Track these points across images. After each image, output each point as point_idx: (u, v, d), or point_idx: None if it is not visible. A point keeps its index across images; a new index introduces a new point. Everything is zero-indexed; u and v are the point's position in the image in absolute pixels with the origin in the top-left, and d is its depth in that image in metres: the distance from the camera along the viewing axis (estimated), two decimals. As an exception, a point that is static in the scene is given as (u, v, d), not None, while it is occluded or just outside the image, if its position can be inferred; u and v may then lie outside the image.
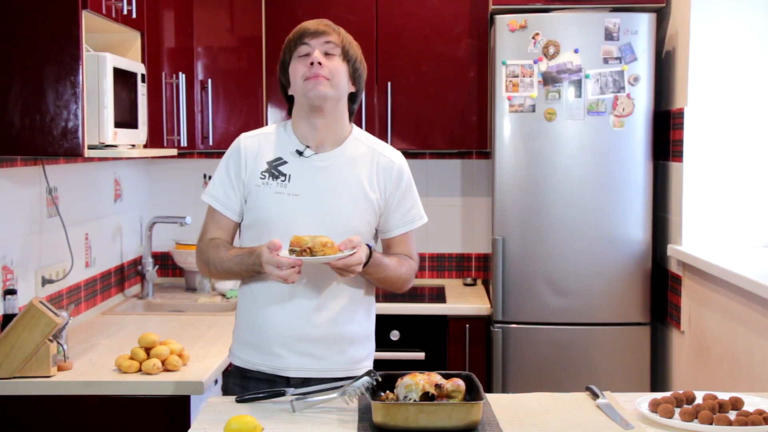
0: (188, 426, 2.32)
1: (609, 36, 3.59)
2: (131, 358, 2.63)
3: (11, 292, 2.67)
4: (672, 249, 3.50)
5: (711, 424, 1.85)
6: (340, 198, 2.24)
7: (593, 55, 3.59)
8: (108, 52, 2.76)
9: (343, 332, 2.26)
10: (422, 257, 4.38)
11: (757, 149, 3.42)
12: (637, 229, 3.64)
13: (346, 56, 2.25)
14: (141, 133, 3.08)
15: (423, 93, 3.99)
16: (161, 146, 3.39)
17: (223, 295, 3.95)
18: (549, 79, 3.61)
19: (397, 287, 2.34)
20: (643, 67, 3.59)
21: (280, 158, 2.26)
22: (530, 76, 3.62)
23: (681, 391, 2.01)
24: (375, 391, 1.96)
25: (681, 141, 3.46)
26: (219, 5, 3.96)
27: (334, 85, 2.22)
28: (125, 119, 2.90)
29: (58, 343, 2.60)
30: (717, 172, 3.44)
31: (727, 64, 3.42)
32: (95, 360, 2.78)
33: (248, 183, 2.26)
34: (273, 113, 3.99)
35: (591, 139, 3.62)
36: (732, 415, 1.92)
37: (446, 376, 1.96)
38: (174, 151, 3.51)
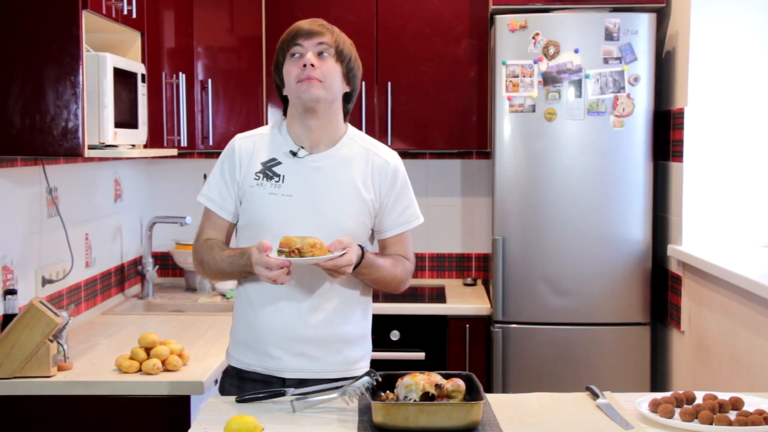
0: (188, 426, 2.32)
1: (609, 36, 3.59)
2: (131, 358, 2.63)
3: (11, 292, 2.67)
4: (672, 249, 3.50)
5: (711, 424, 1.85)
6: (335, 198, 2.24)
7: (593, 55, 3.59)
8: (108, 52, 2.76)
9: (338, 333, 2.26)
10: (422, 257, 4.38)
11: (757, 149, 3.42)
12: (637, 229, 3.64)
13: (339, 56, 2.24)
14: (141, 133, 3.08)
15: (423, 93, 3.99)
16: (161, 146, 3.39)
17: (223, 295, 3.95)
18: (549, 79, 3.61)
19: (392, 288, 2.33)
20: (643, 67, 3.59)
21: (274, 159, 2.26)
22: (530, 76, 3.62)
23: (681, 391, 2.01)
24: (375, 391, 1.96)
25: (681, 141, 3.46)
26: (219, 5, 3.96)
27: (326, 86, 2.21)
28: (125, 119, 2.90)
29: (58, 343, 2.60)
30: (717, 172, 3.44)
31: (727, 64, 3.42)
32: (95, 360, 2.78)
33: (243, 184, 2.26)
34: (273, 113, 3.99)
35: (591, 139, 3.62)
36: (732, 415, 1.92)
37: (446, 376, 1.96)
38: (174, 151, 3.51)
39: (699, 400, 2.00)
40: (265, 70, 3.96)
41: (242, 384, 2.27)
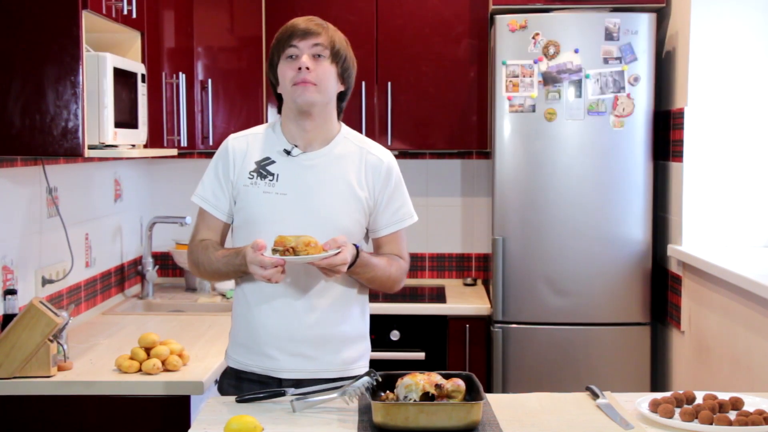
0: (188, 426, 2.32)
1: (609, 36, 3.59)
2: (131, 358, 2.63)
3: (11, 292, 2.67)
4: (672, 249, 3.50)
5: (711, 424, 1.85)
6: (329, 196, 2.24)
7: (593, 55, 3.59)
8: (108, 52, 2.76)
9: (335, 332, 2.25)
10: (422, 257, 4.38)
11: (757, 149, 3.42)
12: (637, 229, 3.64)
13: (335, 57, 2.23)
14: (141, 133, 3.08)
15: (423, 93, 3.99)
16: (161, 146, 3.39)
17: (223, 295, 3.95)
18: (549, 79, 3.61)
19: (387, 287, 2.33)
20: (643, 67, 3.59)
21: (268, 158, 2.26)
22: (530, 76, 3.62)
23: (681, 391, 2.01)
24: (375, 391, 1.96)
25: (681, 141, 3.46)
26: (219, 5, 3.96)
27: (321, 89, 2.21)
28: (125, 119, 2.90)
29: (59, 343, 2.60)
30: (717, 172, 3.44)
31: (727, 64, 3.42)
32: (95, 360, 2.78)
33: (237, 183, 2.26)
34: (273, 113, 3.99)
35: (591, 139, 3.62)
36: (732, 415, 1.92)
37: (446, 376, 1.96)
38: (174, 151, 3.51)
39: (699, 400, 2.00)
40: (265, 70, 3.96)
41: (240, 384, 2.27)
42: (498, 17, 3.65)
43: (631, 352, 3.66)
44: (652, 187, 3.64)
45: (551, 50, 3.60)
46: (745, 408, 1.96)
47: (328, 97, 2.24)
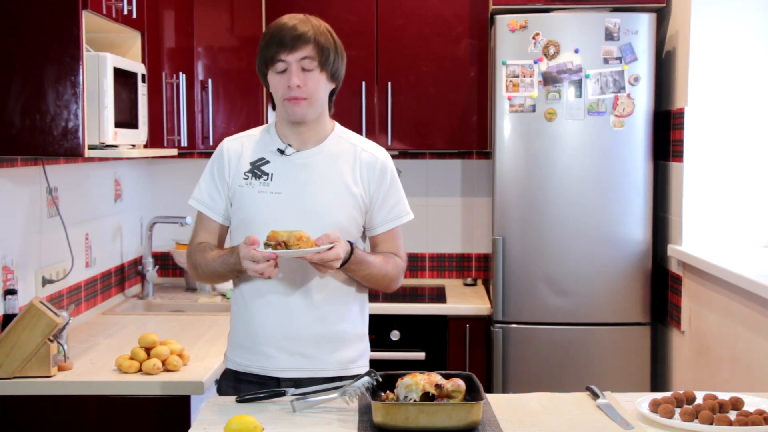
0: (188, 426, 2.32)
1: (609, 36, 3.59)
2: (131, 358, 2.63)
3: (11, 292, 2.67)
4: (672, 249, 3.50)
5: (711, 424, 1.85)
6: (323, 194, 2.24)
7: (593, 55, 3.59)
8: (108, 52, 2.76)
9: (333, 331, 2.25)
10: (422, 257, 4.38)
11: (757, 149, 3.42)
12: (637, 229, 3.64)
13: (324, 65, 2.21)
14: (141, 133, 3.08)
15: (423, 93, 3.99)
16: (161, 146, 3.39)
17: (223, 295, 3.95)
18: (549, 79, 3.61)
19: (383, 286, 2.32)
20: (643, 67, 3.59)
21: (262, 158, 2.27)
22: (530, 76, 3.62)
23: (681, 391, 2.01)
24: (375, 391, 1.96)
25: (681, 141, 3.46)
26: (219, 5, 3.96)
27: (313, 102, 2.22)
28: (125, 119, 2.90)
29: (59, 343, 2.60)
30: (717, 172, 3.44)
31: (727, 64, 3.42)
32: (95, 360, 2.78)
33: (232, 184, 2.27)
34: (273, 113, 3.98)
35: (591, 139, 3.62)
36: (732, 415, 1.92)
37: (446, 376, 1.96)
38: (174, 151, 3.51)
39: (699, 400, 2.00)
40: (265, 70, 3.96)
41: (238, 386, 2.28)
42: (498, 17, 3.65)
43: (631, 352, 3.66)
44: (652, 187, 3.64)
45: (551, 50, 3.60)
46: (745, 408, 1.96)
47: (320, 106, 2.26)
